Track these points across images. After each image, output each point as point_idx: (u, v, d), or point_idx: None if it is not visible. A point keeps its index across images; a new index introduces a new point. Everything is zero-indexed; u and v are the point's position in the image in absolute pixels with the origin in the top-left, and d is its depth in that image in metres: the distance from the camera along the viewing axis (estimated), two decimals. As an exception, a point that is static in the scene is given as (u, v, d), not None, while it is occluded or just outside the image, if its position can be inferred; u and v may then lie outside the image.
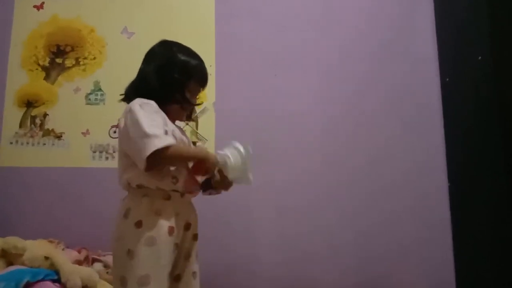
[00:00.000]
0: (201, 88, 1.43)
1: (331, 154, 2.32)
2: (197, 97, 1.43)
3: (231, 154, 1.29)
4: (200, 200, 2.23)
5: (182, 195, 1.29)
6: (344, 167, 2.31)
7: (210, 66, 2.38)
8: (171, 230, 1.22)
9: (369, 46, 2.41)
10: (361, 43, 2.41)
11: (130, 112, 1.23)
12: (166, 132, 1.20)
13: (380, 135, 2.33)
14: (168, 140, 1.16)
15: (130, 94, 1.38)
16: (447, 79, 2.29)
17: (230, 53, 2.42)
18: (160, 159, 1.16)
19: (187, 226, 1.30)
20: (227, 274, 2.19)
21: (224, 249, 2.23)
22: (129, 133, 1.20)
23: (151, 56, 1.43)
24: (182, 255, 1.29)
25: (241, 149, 1.31)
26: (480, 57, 1.95)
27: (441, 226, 2.23)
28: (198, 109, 2.36)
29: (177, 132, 1.31)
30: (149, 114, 1.22)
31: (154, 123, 1.19)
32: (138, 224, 1.20)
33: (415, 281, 2.20)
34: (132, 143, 1.19)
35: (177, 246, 1.26)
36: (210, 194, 1.43)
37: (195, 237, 1.34)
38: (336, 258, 2.23)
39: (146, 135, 1.15)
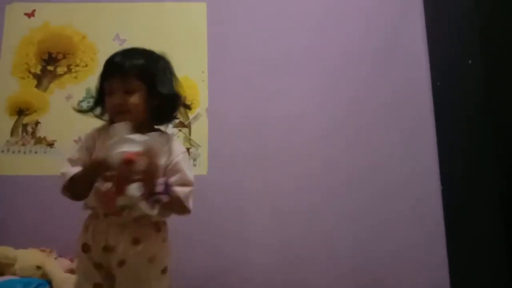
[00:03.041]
0: (111, 83, 1.29)
1: (326, 159, 2.32)
2: (116, 94, 1.28)
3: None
4: (195, 204, 2.24)
5: (105, 215, 1.27)
6: (339, 171, 2.31)
7: (203, 72, 2.40)
8: (84, 247, 1.27)
9: (367, 52, 2.42)
10: (354, 49, 2.42)
11: None
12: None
13: (374, 140, 2.34)
14: (63, 179, 1.28)
15: None
16: (438, 83, 2.31)
17: (222, 58, 2.42)
18: (69, 194, 1.30)
19: (107, 248, 1.25)
20: (221, 277, 2.19)
21: (218, 252, 2.22)
22: None
23: None
24: (109, 278, 1.27)
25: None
26: (470, 61, 1.97)
27: (436, 230, 2.24)
28: (190, 115, 2.36)
29: (91, 148, 1.33)
30: (77, 148, 1.37)
31: (71, 159, 1.32)
32: None
33: (410, 285, 2.20)
34: None
35: (101, 267, 1.26)
36: (157, 201, 1.21)
37: (120, 263, 1.24)
38: (332, 262, 2.23)
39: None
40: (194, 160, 2.31)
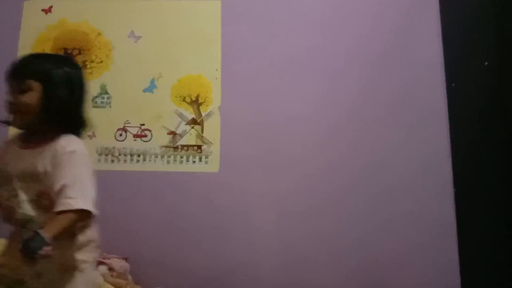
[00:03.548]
0: (10, 83, 1.27)
1: (335, 159, 2.31)
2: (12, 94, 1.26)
3: None
4: (201, 205, 2.25)
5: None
6: (350, 172, 2.30)
7: (216, 70, 2.40)
8: None
9: (375, 51, 2.40)
10: (367, 48, 2.41)
11: None
12: None
13: (385, 140, 2.32)
14: None
15: None
16: (453, 84, 2.28)
17: (235, 57, 2.42)
18: None
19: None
20: (227, 278, 2.19)
21: (224, 253, 2.23)
22: None
23: None
24: None
25: None
26: (486, 63, 1.94)
27: (447, 231, 2.21)
28: (203, 112, 2.36)
29: None
30: None
31: None
32: None
33: (427, 285, 2.18)
34: None
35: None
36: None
37: (37, 275, 1.22)
38: (338, 263, 2.22)
39: None
40: (206, 157, 2.32)
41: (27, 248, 1.06)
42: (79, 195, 1.19)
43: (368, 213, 2.25)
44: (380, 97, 2.36)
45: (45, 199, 1.22)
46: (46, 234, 1.09)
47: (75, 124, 1.32)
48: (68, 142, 1.25)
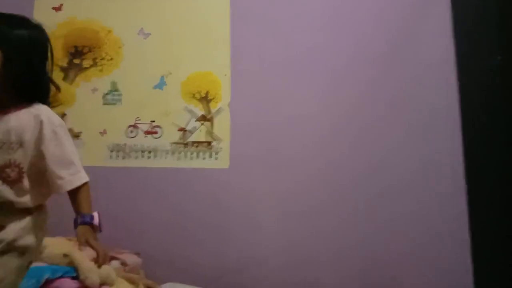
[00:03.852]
0: None
1: (341, 158, 2.31)
2: None
3: None
4: (211, 201, 2.26)
5: None
6: (355, 170, 2.30)
7: (226, 66, 2.41)
8: None
9: (383, 48, 2.38)
10: (375, 46, 2.39)
11: None
12: None
13: (394, 138, 2.31)
14: None
15: None
16: (465, 81, 2.27)
17: (245, 53, 2.43)
18: None
19: None
20: (233, 276, 2.21)
21: (232, 251, 2.25)
22: None
23: None
24: None
25: None
26: (499, 57, 1.93)
27: (459, 230, 2.20)
28: (213, 109, 2.37)
29: None
30: None
31: None
32: None
33: (429, 285, 2.18)
34: None
35: None
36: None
37: None
38: (343, 262, 2.22)
39: None
40: (216, 153, 2.34)
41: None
42: (81, 168, 1.27)
43: (374, 212, 2.25)
44: (389, 94, 2.35)
45: (13, 171, 1.20)
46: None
47: (41, 90, 1.28)
48: (51, 114, 1.25)
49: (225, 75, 2.41)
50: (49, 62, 1.30)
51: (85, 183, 1.27)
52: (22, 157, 1.21)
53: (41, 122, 1.21)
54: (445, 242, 2.20)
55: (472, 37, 2.22)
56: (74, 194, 1.27)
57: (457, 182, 2.24)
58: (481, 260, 2.11)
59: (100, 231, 1.31)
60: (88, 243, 1.24)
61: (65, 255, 1.81)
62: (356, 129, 2.34)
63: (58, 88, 1.33)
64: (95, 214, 1.28)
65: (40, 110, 1.24)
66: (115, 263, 1.99)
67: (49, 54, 1.30)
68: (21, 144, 1.20)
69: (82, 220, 1.25)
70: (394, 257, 2.21)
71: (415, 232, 2.22)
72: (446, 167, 2.27)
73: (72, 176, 1.24)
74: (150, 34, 2.47)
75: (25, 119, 1.21)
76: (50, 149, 1.22)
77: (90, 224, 1.26)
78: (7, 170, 1.20)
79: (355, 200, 2.27)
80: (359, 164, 2.30)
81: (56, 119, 1.26)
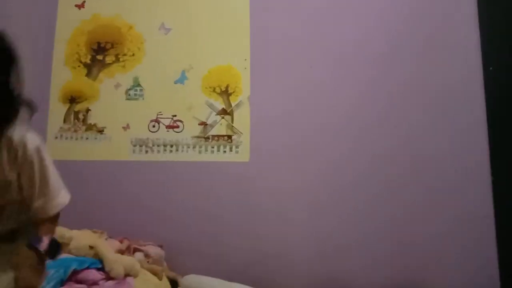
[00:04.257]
0: None
1: (371, 151, 2.29)
2: None
3: None
4: (231, 194, 2.28)
5: None
6: (386, 163, 2.27)
7: (245, 60, 2.41)
8: None
9: (412, 39, 2.34)
10: (404, 36, 2.35)
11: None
12: None
13: (423, 130, 2.28)
14: None
15: None
16: (491, 68, 2.21)
17: (264, 46, 2.42)
18: None
19: None
20: (259, 264, 2.22)
21: (256, 241, 2.26)
22: None
23: None
24: None
25: None
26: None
27: (484, 221, 2.16)
28: (233, 102, 2.39)
29: None
30: None
31: None
32: None
33: (456, 281, 2.15)
34: None
35: None
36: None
37: None
38: (370, 252, 2.21)
39: None
40: (236, 147, 2.35)
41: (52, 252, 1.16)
42: (60, 192, 1.22)
43: (403, 201, 2.23)
44: (421, 86, 2.31)
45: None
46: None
47: (10, 107, 1.07)
48: (23, 137, 1.12)
49: (245, 68, 2.41)
50: (15, 74, 1.09)
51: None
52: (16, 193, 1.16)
53: (15, 152, 1.11)
54: (481, 235, 2.16)
55: (498, 24, 2.16)
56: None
57: (482, 176, 2.20)
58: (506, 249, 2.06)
59: (51, 258, 1.19)
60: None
61: (91, 247, 1.86)
62: (395, 120, 2.30)
63: (33, 109, 1.12)
64: (44, 239, 1.15)
65: (13, 135, 1.10)
66: (138, 255, 2.03)
67: (12, 64, 1.08)
68: (11, 181, 1.13)
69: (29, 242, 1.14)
70: (426, 248, 2.18)
71: (448, 223, 2.19)
72: (484, 156, 2.21)
73: (53, 202, 1.20)
74: (171, 29, 2.49)
75: (4, 153, 1.10)
76: (30, 177, 1.15)
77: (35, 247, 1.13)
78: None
79: (378, 190, 2.25)
80: (398, 156, 2.27)
81: (30, 142, 1.13)
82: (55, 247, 1.20)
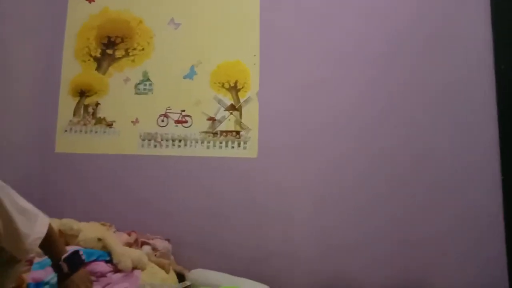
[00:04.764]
0: None
1: (377, 147, 2.27)
2: None
3: None
4: (239, 189, 2.29)
5: None
6: (391, 160, 2.26)
7: (255, 55, 2.41)
8: None
9: (422, 35, 2.32)
10: (414, 32, 2.32)
11: None
12: None
13: (432, 126, 2.25)
14: None
15: None
16: (502, 67, 2.18)
17: (274, 42, 2.42)
18: None
19: None
20: (265, 260, 2.23)
21: (262, 238, 2.26)
22: None
23: None
24: None
25: None
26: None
27: (491, 220, 2.14)
28: (242, 98, 2.39)
29: None
30: None
31: None
32: None
33: (463, 279, 2.14)
34: None
35: None
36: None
37: None
38: (373, 249, 2.20)
39: None
40: (245, 143, 2.35)
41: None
42: (35, 226, 1.19)
43: (407, 199, 2.22)
44: (427, 81, 2.28)
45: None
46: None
47: None
48: None
49: (254, 64, 2.41)
50: None
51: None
52: None
53: None
54: (490, 234, 2.14)
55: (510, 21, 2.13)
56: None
57: (492, 175, 2.18)
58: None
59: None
60: None
61: (99, 240, 1.87)
62: (403, 117, 2.28)
63: None
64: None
65: None
66: (146, 248, 2.05)
67: None
68: None
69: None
70: (432, 245, 2.17)
71: (456, 221, 2.17)
72: (494, 154, 2.19)
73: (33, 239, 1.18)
74: (180, 24, 2.49)
75: None
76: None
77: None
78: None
79: (392, 186, 2.23)
80: (405, 153, 2.25)
81: None
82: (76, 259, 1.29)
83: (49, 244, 1.24)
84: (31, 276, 1.56)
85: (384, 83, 2.31)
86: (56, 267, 1.27)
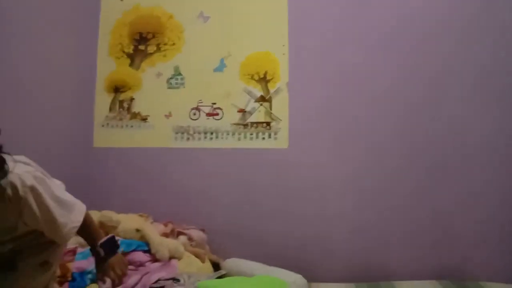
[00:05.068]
0: None
1: (410, 136, 2.23)
2: None
3: None
4: (271, 180, 2.29)
5: None
6: (425, 145, 2.22)
7: (283, 45, 2.40)
8: None
9: (457, 20, 2.24)
10: (443, 17, 2.25)
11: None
12: None
13: (463, 112, 2.20)
14: None
15: None
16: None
17: (302, 32, 2.40)
18: None
19: None
20: (299, 250, 2.25)
21: (296, 226, 2.28)
22: None
23: None
24: None
25: None
26: None
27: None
28: (271, 89, 2.39)
29: None
30: None
31: None
32: None
33: (495, 266, 2.08)
34: None
35: None
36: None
37: None
38: (411, 240, 2.18)
39: None
40: (275, 134, 2.36)
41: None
42: (71, 214, 1.23)
43: (446, 190, 2.17)
44: (466, 64, 2.22)
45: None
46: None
47: None
48: (12, 179, 1.07)
49: (283, 54, 2.40)
50: None
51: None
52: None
53: (10, 199, 1.08)
54: None
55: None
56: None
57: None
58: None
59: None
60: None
61: (138, 230, 1.94)
62: (434, 104, 2.23)
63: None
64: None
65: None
66: (182, 238, 2.11)
67: None
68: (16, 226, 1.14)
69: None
70: (469, 237, 2.13)
71: (492, 211, 2.12)
72: None
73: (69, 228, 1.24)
74: (209, 17, 2.51)
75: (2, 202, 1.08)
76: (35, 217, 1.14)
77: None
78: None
79: (429, 177, 2.20)
80: (433, 138, 2.21)
81: (21, 184, 1.09)
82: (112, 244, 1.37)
83: (86, 230, 1.32)
84: (75, 265, 1.64)
85: (420, 69, 2.26)
86: (93, 251, 1.35)
